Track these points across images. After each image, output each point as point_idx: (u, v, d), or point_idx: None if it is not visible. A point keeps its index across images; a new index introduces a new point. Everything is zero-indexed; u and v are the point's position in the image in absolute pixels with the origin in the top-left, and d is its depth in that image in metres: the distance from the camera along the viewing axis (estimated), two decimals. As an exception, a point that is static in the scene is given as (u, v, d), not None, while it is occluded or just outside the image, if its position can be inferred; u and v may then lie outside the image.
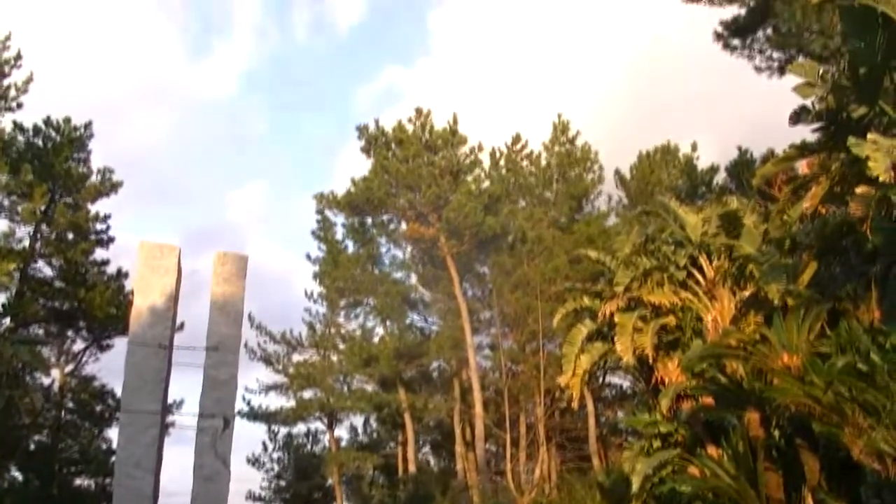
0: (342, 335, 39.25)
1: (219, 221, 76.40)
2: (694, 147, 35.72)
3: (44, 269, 31.57)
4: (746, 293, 16.53)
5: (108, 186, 32.57)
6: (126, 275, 32.12)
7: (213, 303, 23.19)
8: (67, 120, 31.77)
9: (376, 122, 34.71)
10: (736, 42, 23.70)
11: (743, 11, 23.24)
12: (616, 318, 17.47)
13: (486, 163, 35.91)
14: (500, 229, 33.21)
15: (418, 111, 34.32)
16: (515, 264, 32.99)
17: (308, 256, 39.44)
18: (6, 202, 30.57)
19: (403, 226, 36.11)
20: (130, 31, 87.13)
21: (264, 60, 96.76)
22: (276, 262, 75.41)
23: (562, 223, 34.80)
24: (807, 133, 14.15)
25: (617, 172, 37.38)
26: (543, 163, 36.75)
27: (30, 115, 31.06)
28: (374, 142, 34.40)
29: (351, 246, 38.95)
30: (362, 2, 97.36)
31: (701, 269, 17.22)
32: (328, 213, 37.91)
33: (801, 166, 15.35)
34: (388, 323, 37.90)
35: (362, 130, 34.48)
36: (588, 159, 37.06)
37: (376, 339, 37.55)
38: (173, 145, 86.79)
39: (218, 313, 23.09)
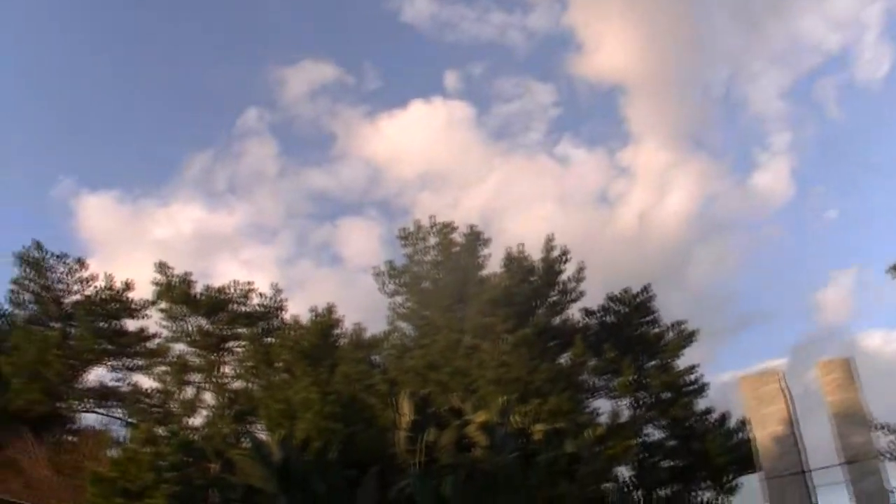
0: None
1: (813, 327, 72.78)
2: None
3: (653, 433, 34.03)
4: None
5: (685, 337, 34.91)
6: (728, 415, 33.16)
7: (833, 415, 22.70)
8: (627, 290, 35.57)
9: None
10: None
11: None
12: None
13: None
14: None
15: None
16: None
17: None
18: (599, 383, 34.41)
19: None
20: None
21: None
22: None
23: None
24: None
25: None
26: None
27: (591, 299, 35.32)
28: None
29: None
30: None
31: None
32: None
33: None
34: None
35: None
36: None
37: None
38: (744, 271, 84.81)
39: (841, 423, 22.45)
